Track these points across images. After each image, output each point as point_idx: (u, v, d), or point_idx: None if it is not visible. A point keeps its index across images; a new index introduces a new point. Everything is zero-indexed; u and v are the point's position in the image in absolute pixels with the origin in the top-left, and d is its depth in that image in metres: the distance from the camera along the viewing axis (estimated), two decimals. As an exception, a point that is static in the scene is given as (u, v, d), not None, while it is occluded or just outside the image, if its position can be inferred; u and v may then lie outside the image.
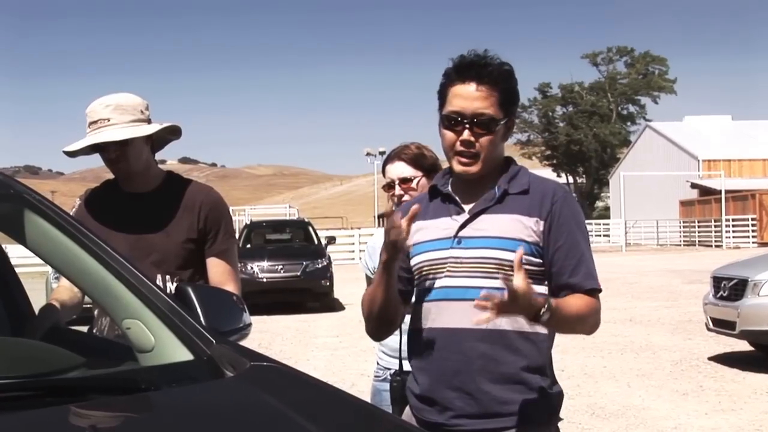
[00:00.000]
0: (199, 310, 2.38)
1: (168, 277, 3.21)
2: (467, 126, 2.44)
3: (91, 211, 3.32)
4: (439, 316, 2.48)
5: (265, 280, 16.80)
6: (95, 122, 3.21)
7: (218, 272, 3.34)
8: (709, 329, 10.08)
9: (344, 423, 1.84)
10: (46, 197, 2.50)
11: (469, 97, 2.44)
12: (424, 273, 2.53)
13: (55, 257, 2.42)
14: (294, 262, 17.14)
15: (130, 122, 3.23)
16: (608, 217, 56.10)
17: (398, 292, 2.60)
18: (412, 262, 2.56)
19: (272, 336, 13.07)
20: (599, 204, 74.74)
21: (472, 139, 2.45)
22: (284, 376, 2.03)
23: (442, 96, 2.52)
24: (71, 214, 3.29)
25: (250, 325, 2.61)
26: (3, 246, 3.32)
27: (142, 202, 3.28)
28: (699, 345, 10.92)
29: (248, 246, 18.91)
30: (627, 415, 7.37)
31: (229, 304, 2.60)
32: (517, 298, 2.17)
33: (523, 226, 2.43)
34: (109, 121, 3.20)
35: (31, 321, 2.88)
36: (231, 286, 3.31)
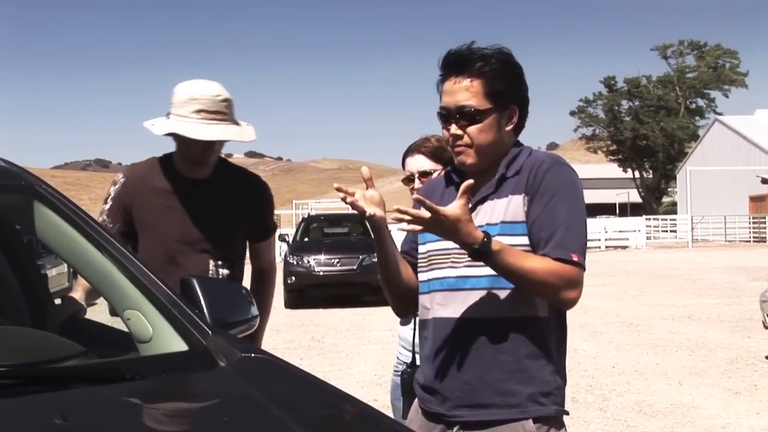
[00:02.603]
0: (203, 302, 2.41)
1: (220, 263, 3.28)
2: (453, 120, 2.45)
3: (144, 190, 3.31)
4: (441, 306, 2.47)
5: (321, 273, 16.88)
6: (209, 113, 3.19)
7: (264, 257, 3.56)
8: (766, 327, 9.84)
9: (321, 415, 1.85)
10: (56, 189, 2.55)
11: (451, 91, 2.45)
12: (432, 262, 2.53)
13: (62, 247, 2.47)
14: (351, 256, 17.16)
15: (235, 120, 3.29)
16: (675, 213, 55.11)
17: (412, 262, 2.62)
18: (422, 248, 2.57)
19: (326, 329, 13.15)
20: (666, 199, 73.35)
21: (460, 132, 2.45)
22: (272, 367, 2.04)
23: (439, 95, 2.53)
24: (113, 191, 3.32)
25: (256, 317, 2.63)
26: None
27: (200, 188, 3.31)
28: (758, 343, 10.66)
29: (306, 239, 19.01)
30: (675, 413, 7.23)
31: (235, 297, 2.63)
32: (443, 220, 2.22)
33: (516, 208, 2.41)
34: (224, 116, 3.23)
35: (50, 312, 2.93)
36: (273, 271, 3.60)
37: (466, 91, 2.43)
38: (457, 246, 2.42)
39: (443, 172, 2.71)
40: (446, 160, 3.34)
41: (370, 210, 2.42)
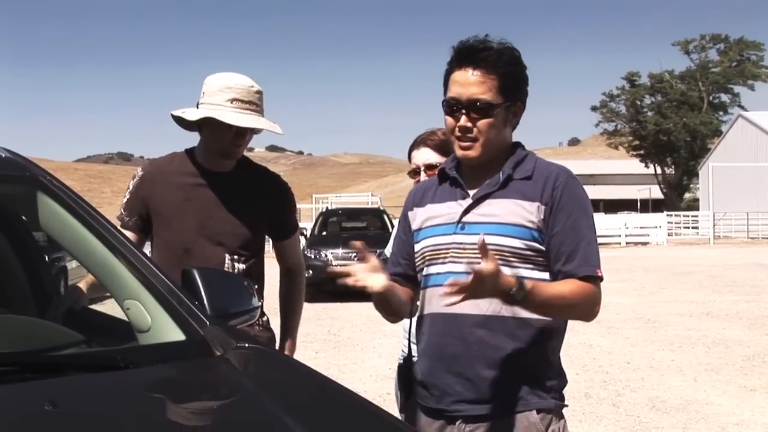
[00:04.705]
0: (203, 293, 2.42)
1: (236, 257, 3.28)
2: (464, 111, 2.44)
3: (163, 183, 3.30)
4: (441, 301, 2.46)
5: (339, 267, 16.85)
6: (244, 102, 3.20)
7: (290, 256, 3.58)
8: (784, 324, 9.76)
9: (310, 403, 1.87)
10: (60, 180, 2.57)
11: (465, 82, 2.44)
12: (428, 258, 2.54)
13: (65, 238, 2.49)
14: (368, 250, 17.09)
15: (263, 113, 3.30)
16: (697, 209, 54.74)
17: (407, 277, 2.64)
18: (418, 245, 2.57)
19: (342, 323, 13.19)
20: (688, 195, 72.82)
21: (469, 124, 2.44)
22: (266, 357, 2.06)
23: (445, 83, 2.52)
24: (132, 184, 3.33)
25: (256, 308, 2.65)
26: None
27: (220, 181, 3.30)
28: (776, 341, 10.60)
29: (323, 233, 19.05)
30: (689, 409, 7.20)
31: (236, 288, 2.64)
32: (483, 281, 2.17)
33: (525, 211, 2.42)
34: (257, 107, 3.25)
35: (55, 301, 2.96)
36: (301, 272, 3.62)
37: (481, 85, 2.43)
38: (456, 241, 2.44)
39: (437, 171, 2.71)
40: (452, 152, 3.35)
41: (376, 286, 2.42)
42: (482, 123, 2.44)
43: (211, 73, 3.31)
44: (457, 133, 2.47)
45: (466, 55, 2.45)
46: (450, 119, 2.49)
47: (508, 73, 2.45)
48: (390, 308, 2.60)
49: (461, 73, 2.45)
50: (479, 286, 2.18)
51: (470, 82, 2.43)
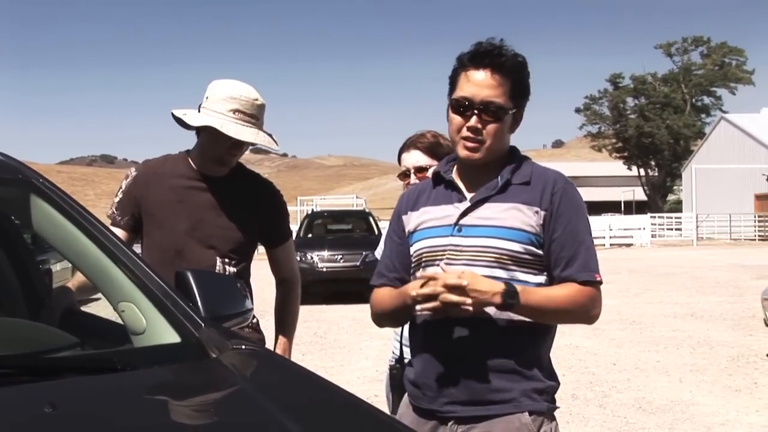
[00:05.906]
0: (197, 295, 2.43)
1: (227, 260, 3.29)
2: (475, 112, 2.44)
3: (156, 184, 3.31)
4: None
5: (324, 269, 16.88)
6: (246, 115, 3.22)
7: (284, 266, 3.56)
8: (767, 325, 9.84)
9: (307, 404, 1.88)
10: (53, 183, 2.57)
11: (480, 84, 2.44)
12: (423, 259, 2.53)
13: (58, 240, 2.49)
14: (354, 252, 17.16)
15: (263, 127, 3.31)
16: (680, 211, 54.99)
17: (404, 281, 2.62)
18: (413, 248, 2.57)
19: (329, 325, 13.18)
20: (671, 197, 73.15)
21: (479, 126, 2.45)
22: (261, 359, 2.07)
23: (453, 81, 2.51)
24: (125, 184, 3.33)
25: (250, 310, 2.65)
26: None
27: (213, 185, 3.32)
28: (759, 341, 10.66)
29: (309, 236, 19.05)
30: (674, 410, 7.25)
31: (230, 290, 2.64)
32: (477, 281, 2.26)
33: (524, 216, 2.44)
34: (257, 120, 3.26)
35: (47, 303, 2.96)
36: (296, 282, 3.59)
37: (496, 88, 2.44)
38: (453, 243, 2.45)
39: (432, 174, 2.71)
40: (442, 155, 3.35)
41: None
42: (492, 126, 2.45)
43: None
44: (465, 133, 2.47)
45: (483, 56, 2.45)
46: (458, 118, 2.48)
47: (518, 80, 2.48)
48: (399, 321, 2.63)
49: (476, 73, 2.45)
50: (473, 287, 2.25)
51: (486, 84, 2.44)
